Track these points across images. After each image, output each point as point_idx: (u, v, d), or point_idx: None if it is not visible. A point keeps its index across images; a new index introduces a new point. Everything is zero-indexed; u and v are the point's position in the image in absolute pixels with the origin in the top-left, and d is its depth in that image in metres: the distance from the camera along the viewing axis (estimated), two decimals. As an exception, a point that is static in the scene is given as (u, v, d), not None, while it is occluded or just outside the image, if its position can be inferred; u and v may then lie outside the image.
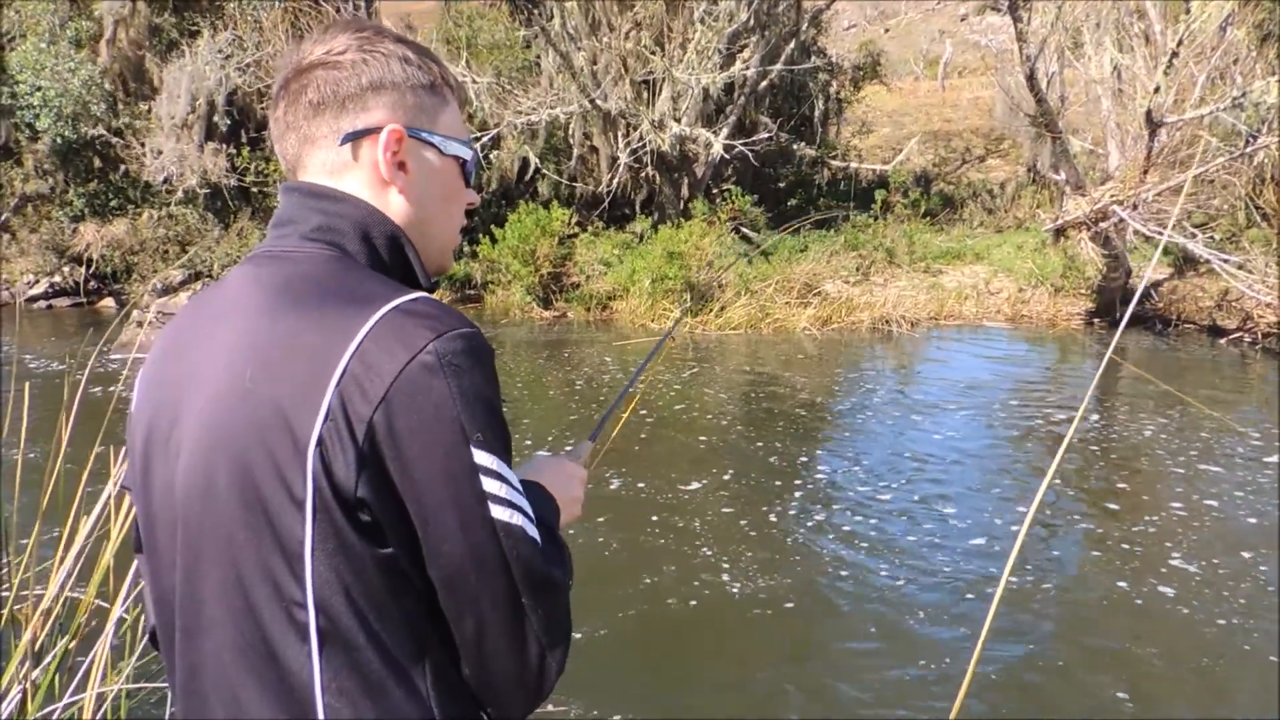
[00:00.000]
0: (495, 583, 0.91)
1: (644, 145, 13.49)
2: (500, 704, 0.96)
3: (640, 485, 6.07)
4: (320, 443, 0.87)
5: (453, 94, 1.12)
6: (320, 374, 0.88)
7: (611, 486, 6.03)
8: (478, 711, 0.98)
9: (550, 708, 3.52)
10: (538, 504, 1.07)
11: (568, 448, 1.42)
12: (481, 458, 0.90)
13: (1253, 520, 5.45)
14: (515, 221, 13.26)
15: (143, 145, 15.09)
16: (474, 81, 13.82)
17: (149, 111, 15.23)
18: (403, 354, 0.88)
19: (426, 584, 0.92)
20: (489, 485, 0.91)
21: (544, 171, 14.52)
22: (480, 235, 13.83)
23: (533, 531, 0.94)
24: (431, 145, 1.08)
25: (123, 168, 15.49)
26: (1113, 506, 5.72)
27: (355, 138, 1.04)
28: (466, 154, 1.12)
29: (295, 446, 0.88)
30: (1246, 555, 4.89)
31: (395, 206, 1.06)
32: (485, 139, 14.00)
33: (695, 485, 6.06)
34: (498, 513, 0.91)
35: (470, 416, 0.90)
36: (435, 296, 1.02)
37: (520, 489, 0.95)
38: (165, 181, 14.84)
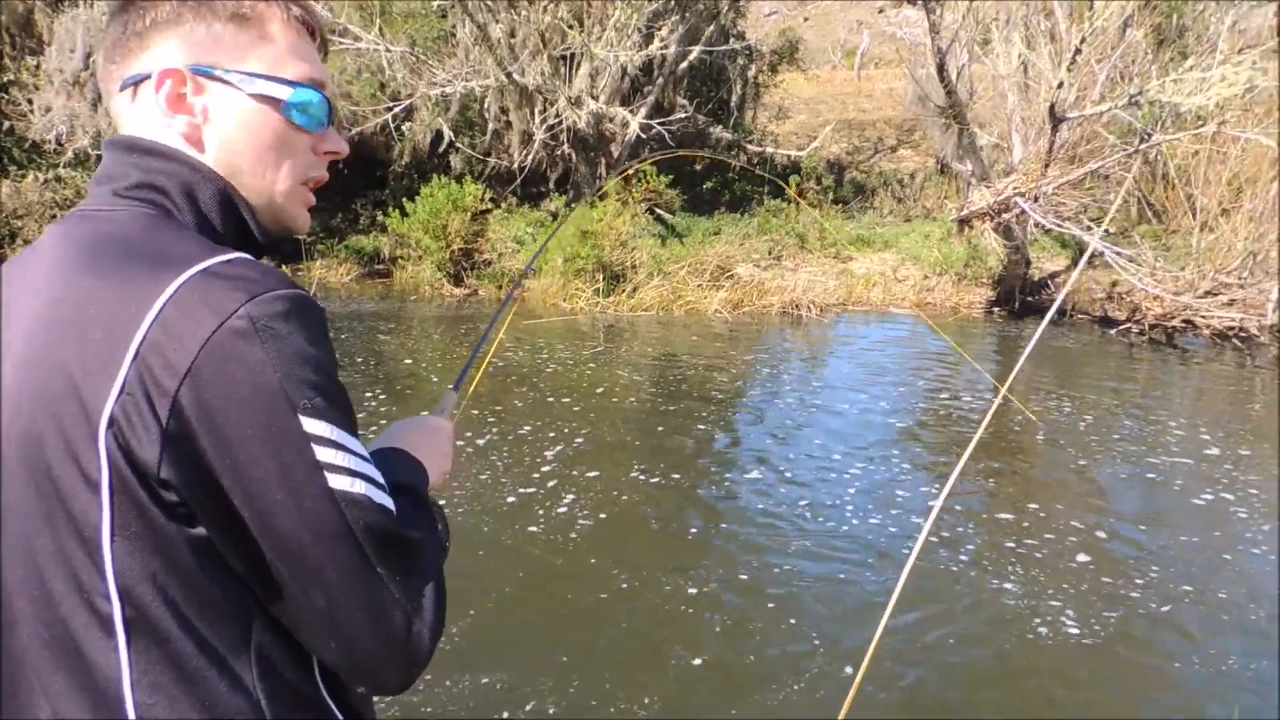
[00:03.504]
0: (340, 554, 0.84)
1: (560, 122, 13.33)
2: (371, 679, 0.90)
3: (552, 468, 6.01)
4: (114, 420, 0.79)
5: (282, 28, 0.99)
6: (116, 343, 0.80)
7: (524, 475, 5.95)
8: (318, 695, 0.92)
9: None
10: (397, 469, 1.01)
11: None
12: (313, 426, 0.83)
13: (1136, 506, 5.67)
14: (426, 195, 12.99)
15: (30, 102, 14.28)
16: (387, 50, 13.44)
17: (37, 67, 14.43)
18: (210, 319, 0.80)
19: (247, 566, 0.84)
20: (324, 455, 0.83)
21: (458, 145, 14.24)
22: (390, 208, 13.51)
23: (381, 499, 0.87)
24: (228, 84, 0.96)
25: (7, 124, 14.65)
26: (1008, 496, 5.88)
27: (135, 83, 0.95)
28: (281, 93, 0.98)
29: (87, 423, 0.80)
30: (1133, 536, 5.08)
31: (195, 157, 0.96)
32: (398, 109, 13.67)
33: (602, 472, 6.03)
34: (337, 482, 0.84)
35: (295, 383, 0.82)
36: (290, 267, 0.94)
37: (364, 456, 0.88)
38: (54, 141, 14.10)
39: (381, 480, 0.89)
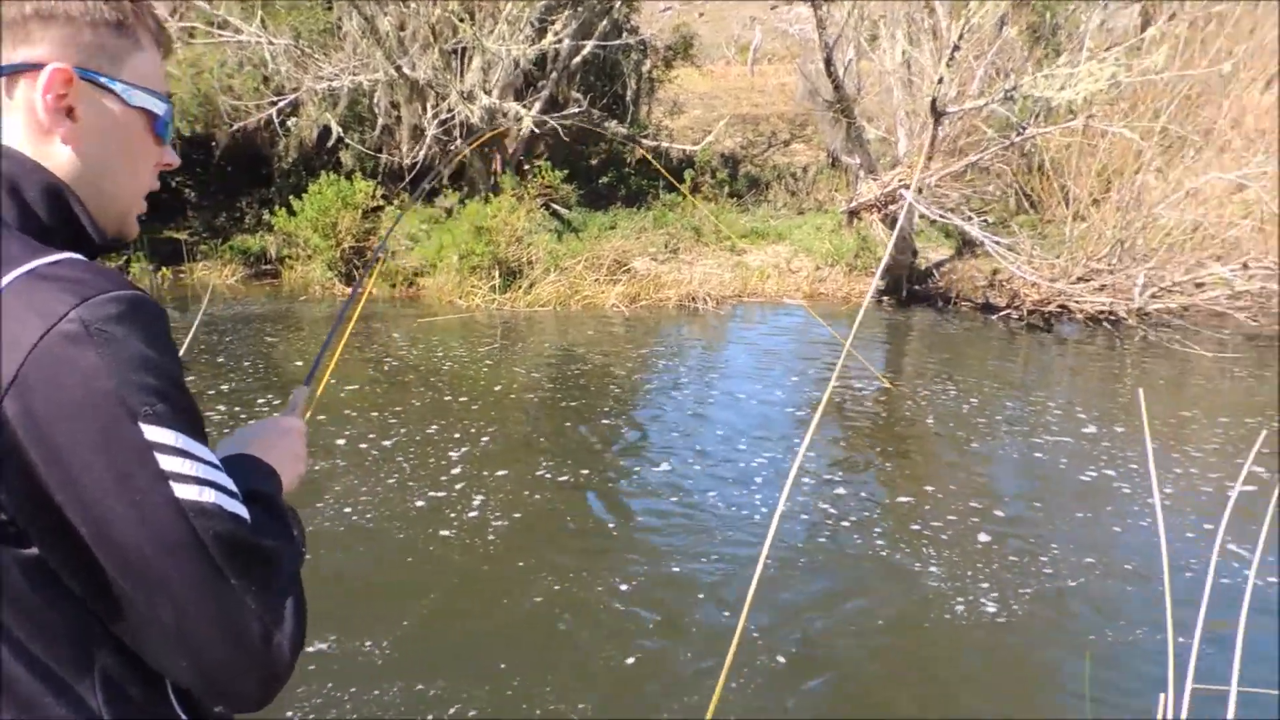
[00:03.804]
0: (189, 566, 0.80)
1: (453, 116, 13.14)
2: (228, 695, 0.86)
3: (460, 469, 5.93)
4: None
5: (151, 39, 0.98)
6: None
7: (427, 474, 5.85)
8: (173, 715, 0.88)
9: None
10: (249, 476, 0.97)
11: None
12: (155, 434, 0.79)
13: (1012, 482, 5.91)
14: (315, 193, 12.63)
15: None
16: (270, 43, 13.02)
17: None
18: (37, 324, 0.76)
19: (86, 585, 0.80)
20: (169, 463, 0.79)
21: (347, 141, 13.90)
22: (277, 206, 13.11)
23: (234, 507, 0.84)
24: (111, 92, 0.94)
25: None
26: (905, 479, 6.05)
27: (11, 73, 0.89)
28: (159, 108, 0.98)
29: None
30: (1008, 516, 5.29)
31: (59, 158, 0.91)
32: (283, 104, 13.25)
33: (511, 471, 5.98)
34: (183, 492, 0.80)
35: (133, 389, 0.78)
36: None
37: (213, 462, 0.84)
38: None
39: (233, 488, 0.86)
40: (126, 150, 0.97)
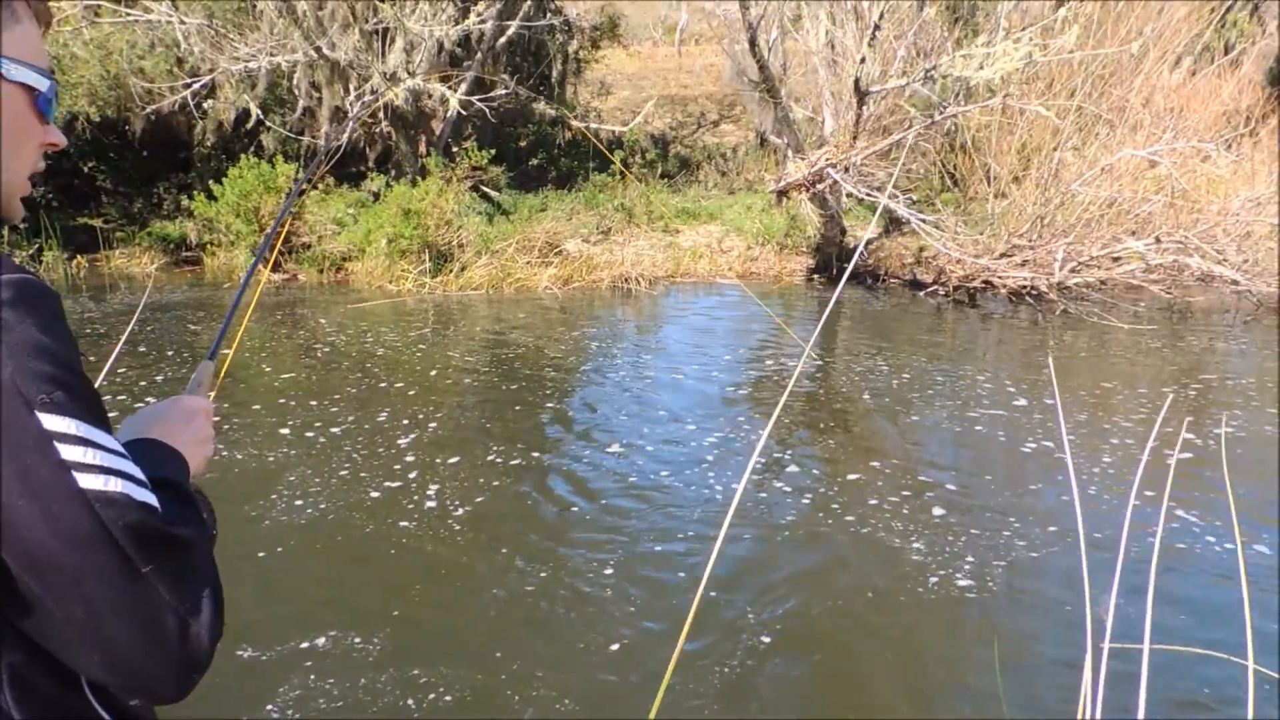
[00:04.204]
0: (99, 559, 0.77)
1: (376, 98, 12.88)
2: (146, 689, 0.84)
3: (414, 458, 5.84)
4: None
5: (29, 12, 0.94)
6: None
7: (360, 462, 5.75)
8: (87, 707, 0.86)
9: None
10: (155, 462, 0.93)
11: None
12: (54, 423, 0.76)
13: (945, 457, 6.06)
14: (236, 177, 12.29)
15: None
16: (181, 23, 12.58)
17: None
18: None
19: None
20: (70, 453, 0.77)
21: (268, 124, 13.52)
22: (196, 191, 12.72)
23: (142, 495, 0.81)
24: None
25: None
26: (849, 456, 6.14)
27: None
28: (40, 83, 0.93)
29: None
30: (938, 498, 5.42)
31: None
32: (198, 86, 12.83)
33: (462, 457, 5.91)
34: (88, 482, 0.77)
35: (28, 378, 0.75)
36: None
37: (118, 450, 0.81)
38: None
39: (140, 476, 0.83)
40: (9, 128, 0.93)
